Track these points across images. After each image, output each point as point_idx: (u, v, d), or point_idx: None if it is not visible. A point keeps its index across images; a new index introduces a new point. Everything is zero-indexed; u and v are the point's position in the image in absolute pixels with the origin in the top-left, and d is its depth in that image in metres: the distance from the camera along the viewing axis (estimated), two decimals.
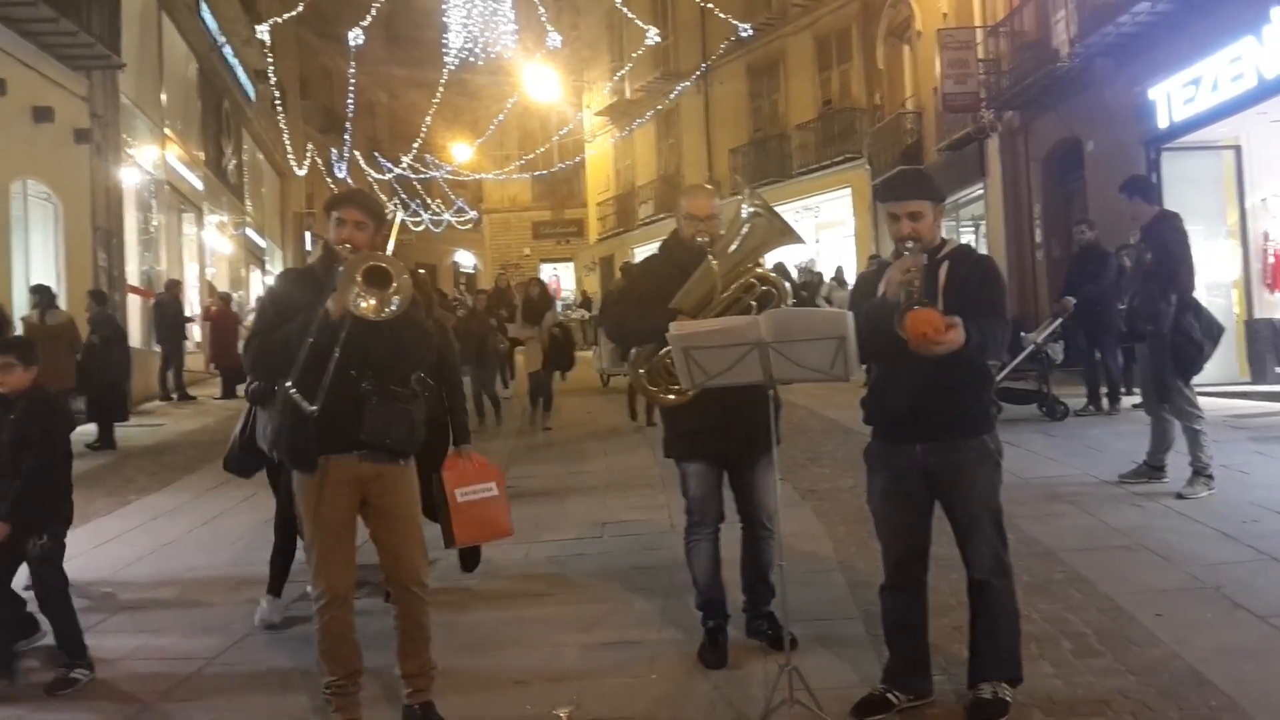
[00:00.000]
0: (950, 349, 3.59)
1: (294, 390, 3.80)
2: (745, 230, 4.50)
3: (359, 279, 3.78)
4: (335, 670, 4.01)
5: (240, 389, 8.71)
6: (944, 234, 4.15)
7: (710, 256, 4.49)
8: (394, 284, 3.81)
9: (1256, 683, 4.02)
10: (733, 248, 4.50)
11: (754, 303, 4.47)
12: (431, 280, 34.77)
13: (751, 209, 4.49)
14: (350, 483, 3.99)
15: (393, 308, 3.80)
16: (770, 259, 4.86)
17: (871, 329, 3.82)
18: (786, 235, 4.60)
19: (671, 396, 4.58)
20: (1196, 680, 4.07)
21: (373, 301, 3.78)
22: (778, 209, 4.72)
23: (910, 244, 3.84)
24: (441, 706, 4.13)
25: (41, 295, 12.11)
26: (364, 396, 3.94)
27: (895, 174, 4.35)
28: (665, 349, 4.51)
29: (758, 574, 4.80)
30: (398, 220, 4.38)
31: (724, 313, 4.46)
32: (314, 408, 3.79)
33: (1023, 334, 10.61)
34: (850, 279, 18.09)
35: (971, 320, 3.64)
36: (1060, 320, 10.90)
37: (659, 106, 31.49)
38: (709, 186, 5.20)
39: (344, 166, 36.44)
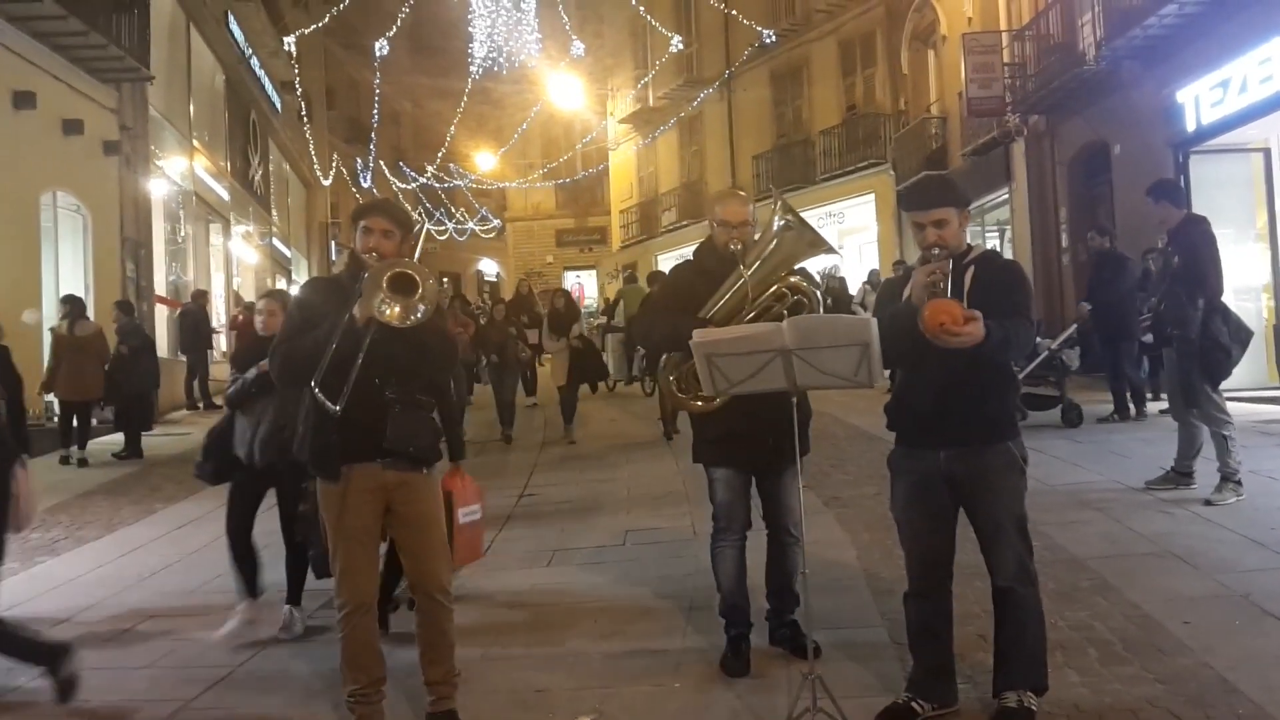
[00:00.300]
0: (969, 342, 3.55)
1: (318, 390, 3.82)
2: (774, 244, 4.47)
3: (384, 285, 3.80)
4: (358, 678, 4.02)
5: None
6: (970, 239, 4.13)
7: (741, 266, 4.48)
8: (419, 291, 3.82)
9: None
10: (764, 257, 4.48)
11: (786, 312, 4.44)
12: (455, 288, 35.06)
13: (782, 222, 4.47)
14: (374, 491, 4.00)
15: (418, 315, 3.81)
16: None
17: (895, 333, 3.80)
18: (817, 246, 4.57)
19: (699, 404, 4.58)
20: (1225, 688, 4.02)
21: (397, 309, 3.79)
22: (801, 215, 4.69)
23: (936, 251, 3.83)
24: (464, 715, 4.13)
25: (72, 306, 12.24)
26: (388, 404, 3.96)
27: (918, 181, 4.33)
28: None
29: (782, 581, 4.78)
30: (423, 232, 4.40)
31: (753, 322, 4.44)
32: (337, 408, 3.80)
33: (1038, 339, 10.57)
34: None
35: (994, 319, 3.62)
36: (1076, 327, 10.87)
37: (682, 113, 31.50)
38: (742, 192, 5.10)
39: (369, 176, 36.67)
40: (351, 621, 4.01)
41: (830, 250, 4.69)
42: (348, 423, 3.87)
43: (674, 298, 4.82)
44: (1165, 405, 8.85)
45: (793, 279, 4.55)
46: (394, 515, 4.07)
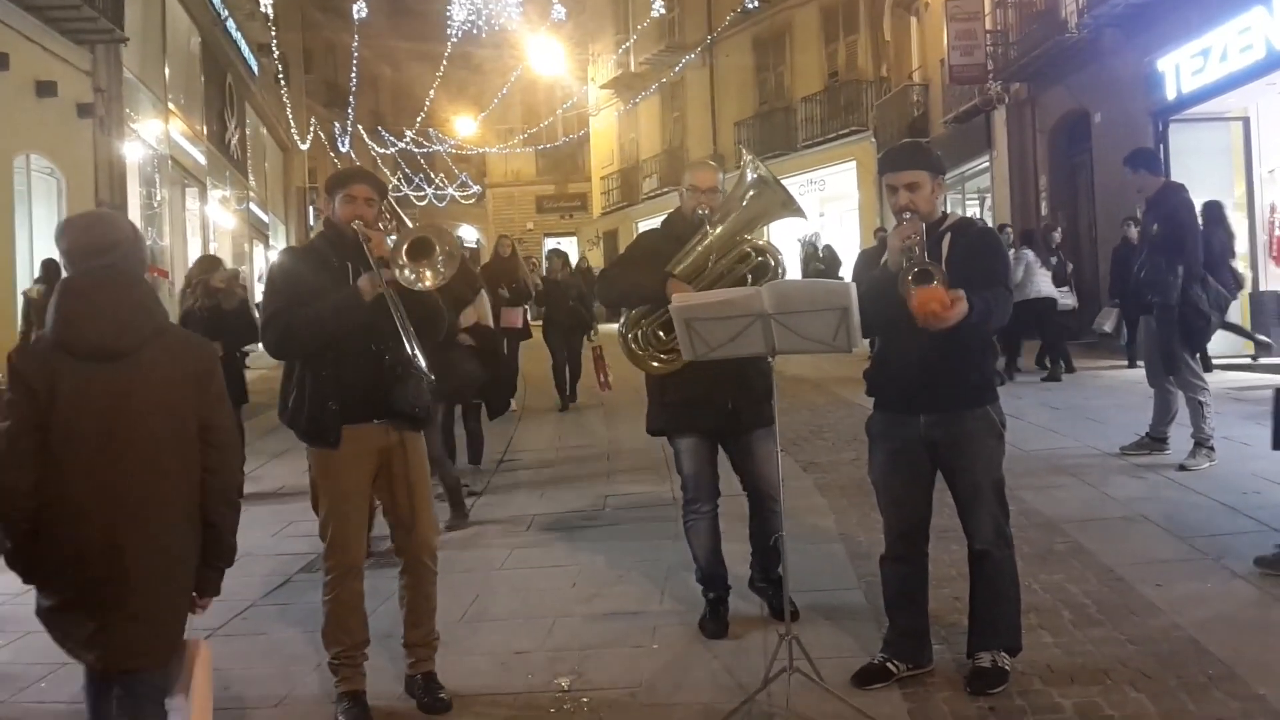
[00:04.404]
0: (956, 320, 3.58)
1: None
2: (747, 199, 4.49)
3: (404, 258, 3.87)
4: (343, 640, 4.03)
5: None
6: (949, 207, 4.14)
7: (707, 225, 4.50)
8: (437, 249, 3.92)
9: (1255, 652, 4.03)
10: (731, 216, 4.50)
11: (749, 274, 4.48)
12: None
13: (755, 175, 4.48)
14: (371, 453, 4.02)
15: (443, 271, 3.92)
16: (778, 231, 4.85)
17: (874, 299, 3.82)
18: (788, 207, 4.59)
19: (656, 364, 4.59)
20: (1195, 649, 4.09)
21: (428, 274, 3.90)
22: (783, 182, 4.71)
23: (908, 215, 3.83)
24: (443, 676, 4.15)
25: (47, 271, 12.14)
26: (389, 369, 3.99)
27: (894, 146, 4.35)
28: (655, 315, 4.52)
29: (766, 541, 4.79)
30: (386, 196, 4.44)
31: (716, 282, 4.46)
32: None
33: None
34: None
35: (975, 291, 3.64)
36: None
37: (664, 79, 31.31)
38: (712, 163, 5.26)
39: (347, 141, 36.37)
40: (340, 585, 4.02)
41: (799, 213, 4.69)
42: (346, 388, 3.93)
43: (639, 258, 4.82)
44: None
45: (759, 241, 4.58)
46: (386, 476, 4.08)
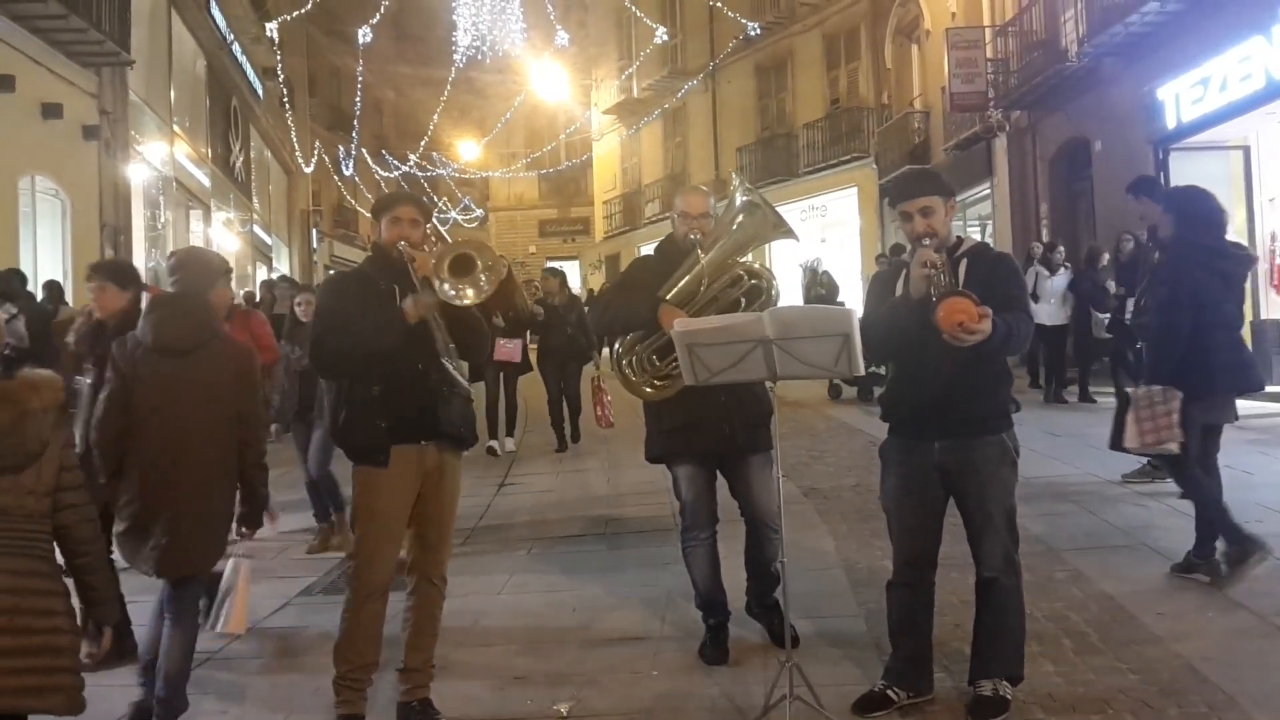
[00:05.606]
0: (981, 339, 3.57)
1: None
2: (737, 222, 4.51)
3: (445, 273, 3.90)
4: (352, 660, 4.03)
5: None
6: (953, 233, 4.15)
7: (699, 249, 4.51)
8: (479, 264, 3.94)
9: (1256, 682, 4.02)
10: (723, 240, 4.52)
11: (741, 297, 4.49)
12: None
13: (744, 199, 4.50)
14: (417, 474, 4.04)
15: (486, 286, 3.93)
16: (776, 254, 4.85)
17: (891, 327, 3.83)
18: (778, 228, 4.60)
19: (650, 390, 4.59)
20: (1196, 679, 4.07)
21: (470, 291, 3.92)
22: (784, 208, 4.71)
23: (927, 240, 3.84)
24: (441, 702, 4.14)
25: (50, 291, 12.16)
26: (434, 389, 4.04)
27: (903, 174, 4.37)
28: (649, 340, 4.53)
29: (763, 567, 4.78)
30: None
31: (708, 306, 4.47)
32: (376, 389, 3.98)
33: None
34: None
35: (998, 314, 3.64)
36: None
37: (666, 105, 31.49)
38: (704, 188, 5.28)
39: (351, 164, 36.52)
40: (364, 604, 4.03)
41: (790, 234, 4.70)
42: (394, 408, 3.96)
43: (632, 284, 4.83)
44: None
45: (752, 265, 4.60)
46: (424, 495, 4.09)
